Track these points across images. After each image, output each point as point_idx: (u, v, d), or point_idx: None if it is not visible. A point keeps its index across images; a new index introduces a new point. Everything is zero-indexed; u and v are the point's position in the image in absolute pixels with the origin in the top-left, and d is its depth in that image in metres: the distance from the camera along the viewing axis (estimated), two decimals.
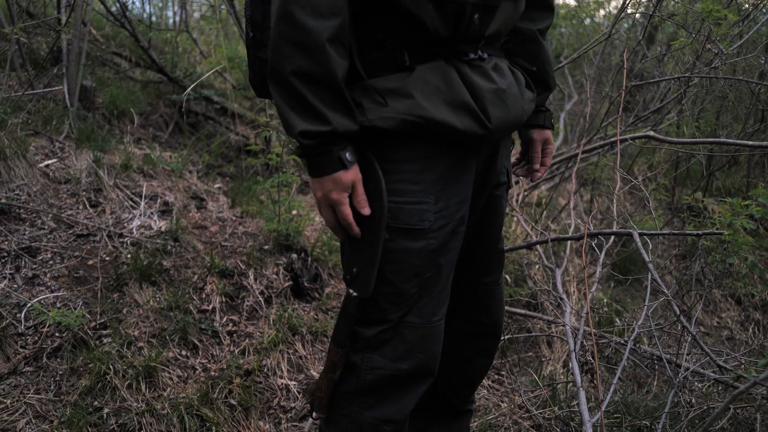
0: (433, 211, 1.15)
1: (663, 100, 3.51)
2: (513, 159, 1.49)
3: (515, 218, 3.15)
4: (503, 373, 2.39)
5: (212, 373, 2.01)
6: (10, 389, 1.80)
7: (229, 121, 4.24)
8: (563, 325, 2.21)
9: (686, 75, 3.05)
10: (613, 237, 2.55)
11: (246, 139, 4.09)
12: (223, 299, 2.35)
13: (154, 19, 5.21)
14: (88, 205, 2.65)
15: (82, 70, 3.36)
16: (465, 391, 1.57)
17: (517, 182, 3.43)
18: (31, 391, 1.80)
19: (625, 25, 4.50)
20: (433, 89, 1.10)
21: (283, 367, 2.11)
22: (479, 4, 1.09)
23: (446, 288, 1.24)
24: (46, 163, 2.82)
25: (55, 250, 2.35)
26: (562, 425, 1.98)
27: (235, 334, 2.24)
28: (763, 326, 3.39)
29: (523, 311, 2.63)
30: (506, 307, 2.61)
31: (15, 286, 2.15)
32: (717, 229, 2.30)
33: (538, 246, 2.66)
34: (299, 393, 2.04)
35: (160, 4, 5.48)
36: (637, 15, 3.99)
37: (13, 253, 2.26)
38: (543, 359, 2.51)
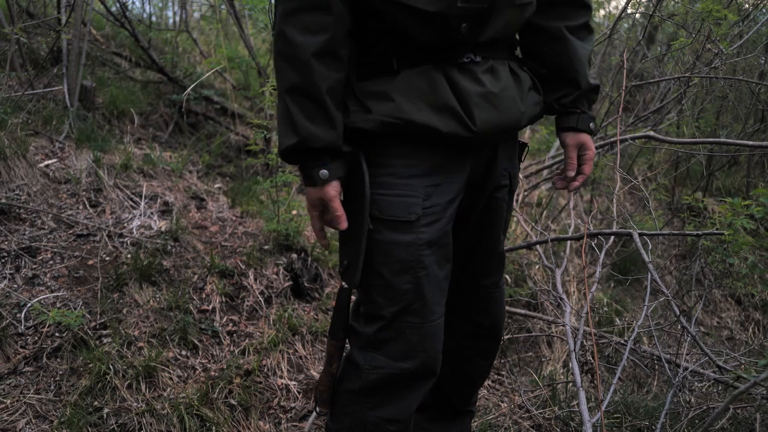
0: (422, 205, 1.17)
1: (663, 100, 3.51)
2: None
3: (515, 218, 3.15)
4: (503, 373, 2.39)
5: (212, 373, 2.01)
6: (10, 389, 1.80)
7: (229, 121, 4.24)
8: (563, 325, 2.21)
9: (686, 75, 3.05)
10: (613, 237, 2.56)
11: (246, 139, 4.09)
12: (223, 299, 2.35)
13: (154, 19, 5.21)
14: (88, 205, 2.65)
15: (82, 70, 3.36)
16: (466, 392, 1.57)
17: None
18: (31, 391, 1.80)
19: (625, 25, 4.50)
20: (417, 92, 1.13)
21: (283, 367, 2.11)
22: (467, 15, 1.10)
23: (442, 286, 1.25)
24: (46, 163, 2.82)
25: (55, 250, 2.35)
26: (562, 425, 1.98)
27: (235, 334, 2.24)
28: (763, 326, 3.39)
29: (523, 311, 2.63)
30: (506, 307, 2.61)
31: (15, 286, 2.15)
32: (717, 229, 2.30)
33: (538, 246, 2.66)
34: (299, 393, 2.04)
35: (160, 4, 5.48)
36: (637, 15, 3.99)
37: (13, 253, 2.26)
38: (543, 359, 2.51)
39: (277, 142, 1.17)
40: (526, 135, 5.39)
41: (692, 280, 2.90)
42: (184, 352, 2.08)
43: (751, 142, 2.54)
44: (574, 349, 1.83)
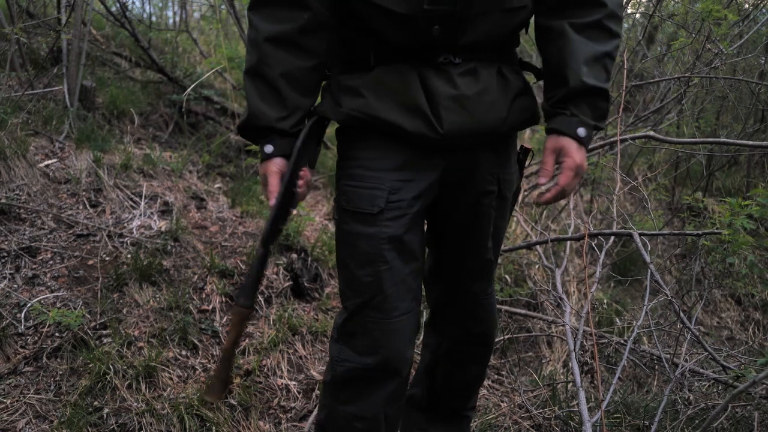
0: (387, 199, 1.18)
1: (663, 100, 3.51)
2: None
3: (515, 218, 3.15)
4: (503, 373, 2.39)
5: (212, 373, 2.01)
6: (10, 389, 1.80)
7: (229, 121, 4.24)
8: (563, 325, 2.21)
9: (686, 75, 3.05)
10: (613, 237, 2.56)
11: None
12: (223, 299, 2.35)
13: (154, 19, 5.21)
14: (88, 205, 2.65)
15: (82, 70, 3.36)
16: (462, 395, 1.57)
17: None
18: (31, 391, 1.80)
19: (625, 25, 4.50)
20: (387, 90, 1.15)
21: (283, 367, 2.11)
22: (437, 17, 1.09)
23: (408, 282, 1.23)
24: (46, 163, 2.82)
25: (55, 250, 2.35)
26: (562, 425, 1.98)
27: None
28: (763, 326, 3.39)
29: (523, 311, 2.63)
30: (506, 307, 2.61)
31: (15, 286, 2.15)
32: (717, 229, 2.30)
33: (538, 246, 2.66)
34: (299, 393, 2.04)
35: (160, 4, 5.48)
36: (637, 15, 3.99)
37: (13, 253, 2.26)
38: (543, 359, 2.51)
39: None
40: (526, 135, 5.39)
41: (692, 280, 2.91)
42: (184, 352, 2.08)
43: (751, 142, 2.55)
44: (574, 349, 1.83)
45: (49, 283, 2.20)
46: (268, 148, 1.17)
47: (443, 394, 1.56)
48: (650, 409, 2.00)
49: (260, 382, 2.03)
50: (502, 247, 2.81)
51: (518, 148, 1.36)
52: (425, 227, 1.33)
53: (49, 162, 2.83)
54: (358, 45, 1.18)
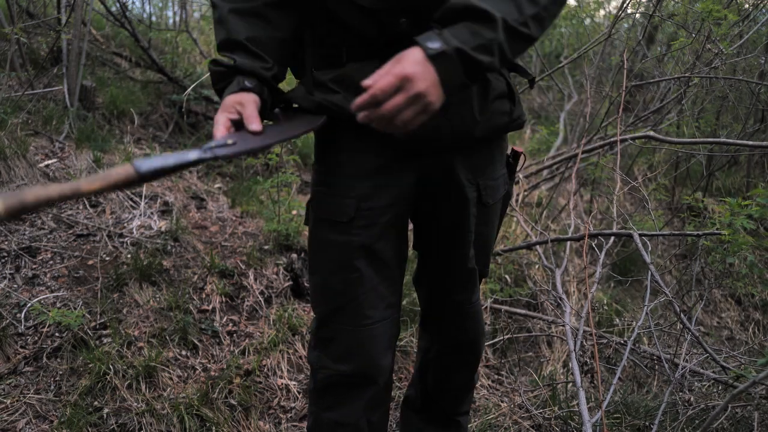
0: (358, 206, 1.16)
1: (663, 100, 3.51)
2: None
3: (515, 218, 3.15)
4: (503, 373, 2.39)
5: (212, 373, 2.01)
6: (10, 389, 1.80)
7: None
8: (563, 325, 2.21)
9: (686, 75, 3.05)
10: (613, 237, 2.56)
11: None
12: (223, 299, 2.35)
13: (154, 19, 5.21)
14: (88, 205, 2.65)
15: (82, 70, 3.36)
16: (453, 400, 1.57)
17: (517, 182, 3.43)
18: (31, 391, 1.80)
19: (625, 25, 4.50)
20: (358, 86, 1.06)
21: (283, 367, 2.11)
22: (399, 9, 1.06)
23: (380, 291, 1.21)
24: (46, 163, 2.82)
25: (55, 250, 2.35)
26: (562, 425, 1.98)
27: (235, 334, 2.24)
28: (763, 326, 3.39)
29: (523, 311, 2.63)
30: (506, 307, 2.61)
31: (15, 286, 2.15)
32: (717, 229, 2.30)
33: (538, 246, 2.66)
34: (299, 393, 2.04)
35: (160, 4, 5.48)
36: (637, 15, 3.99)
37: (13, 253, 2.26)
38: (543, 359, 2.51)
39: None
40: (525, 135, 5.39)
41: (692, 280, 2.91)
42: (184, 352, 2.08)
43: (751, 142, 2.54)
44: (574, 349, 1.83)
45: (49, 283, 2.20)
46: (251, 82, 1.10)
47: (435, 397, 1.56)
48: (650, 410, 2.00)
49: (260, 382, 2.03)
50: (502, 248, 2.84)
51: (509, 151, 1.31)
52: (410, 231, 1.31)
53: (49, 162, 2.83)
54: (331, 40, 1.15)
